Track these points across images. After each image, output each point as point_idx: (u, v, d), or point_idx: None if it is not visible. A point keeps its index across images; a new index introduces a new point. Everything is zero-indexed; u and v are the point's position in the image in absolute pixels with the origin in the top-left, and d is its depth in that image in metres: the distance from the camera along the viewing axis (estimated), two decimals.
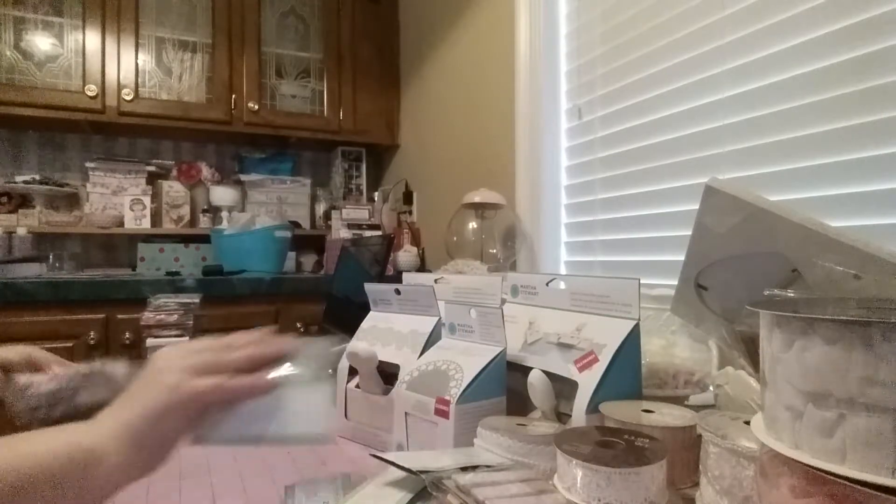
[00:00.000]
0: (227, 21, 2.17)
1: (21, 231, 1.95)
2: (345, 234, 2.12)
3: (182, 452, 0.59)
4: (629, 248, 1.15)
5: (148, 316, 1.05)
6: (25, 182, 2.07)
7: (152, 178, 2.27)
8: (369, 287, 0.71)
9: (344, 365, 0.66)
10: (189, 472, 0.54)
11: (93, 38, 1.99)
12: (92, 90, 1.98)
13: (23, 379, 0.55)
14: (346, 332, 1.10)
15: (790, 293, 0.41)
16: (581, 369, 0.51)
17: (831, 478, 0.27)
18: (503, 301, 0.65)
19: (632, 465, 0.35)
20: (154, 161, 2.31)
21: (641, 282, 0.53)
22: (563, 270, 1.38)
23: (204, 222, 2.32)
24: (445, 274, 0.80)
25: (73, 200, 2.22)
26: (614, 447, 0.38)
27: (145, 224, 2.18)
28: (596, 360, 0.50)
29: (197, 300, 1.10)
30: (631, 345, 0.51)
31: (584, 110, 1.30)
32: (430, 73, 2.13)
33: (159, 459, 0.40)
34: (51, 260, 2.00)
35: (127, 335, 1.64)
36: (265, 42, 2.25)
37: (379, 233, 2.16)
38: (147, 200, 2.19)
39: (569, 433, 0.41)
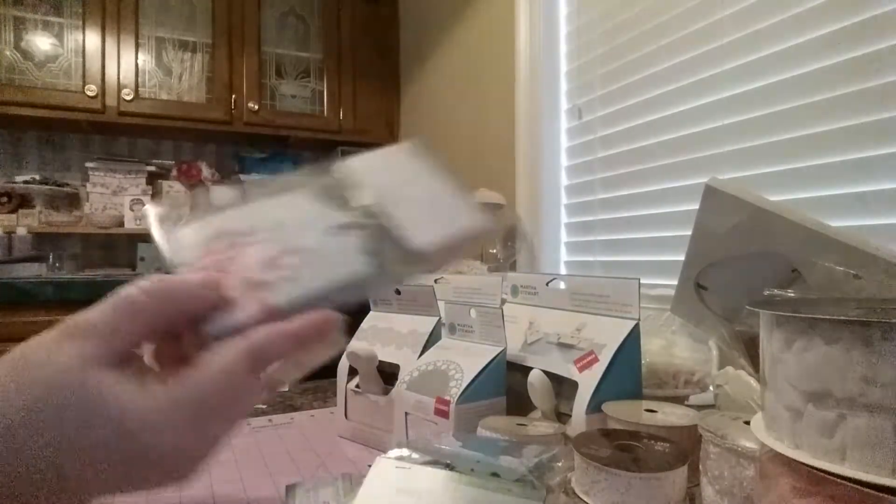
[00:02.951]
0: (227, 21, 2.17)
1: (21, 231, 1.95)
2: None
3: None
4: (629, 248, 1.15)
5: None
6: (25, 182, 2.07)
7: (152, 178, 2.27)
8: None
9: (344, 365, 0.66)
10: None
11: (93, 38, 1.99)
12: (92, 90, 1.98)
13: None
14: (345, 332, 1.10)
15: (790, 293, 0.41)
16: (581, 369, 0.51)
17: (831, 478, 0.27)
18: (503, 301, 0.65)
19: (653, 471, 0.35)
20: (154, 161, 2.31)
21: (641, 282, 0.53)
22: (563, 270, 1.38)
23: None
24: (445, 274, 0.80)
25: (73, 200, 2.22)
26: (634, 451, 0.38)
27: (145, 224, 2.18)
28: (596, 360, 0.50)
29: None
30: (631, 345, 0.51)
31: (584, 110, 1.30)
32: (430, 73, 2.13)
33: None
34: (51, 260, 2.00)
35: None
36: (265, 42, 2.25)
37: None
38: (147, 200, 2.19)
39: (586, 435, 0.41)
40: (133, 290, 0.25)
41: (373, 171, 0.36)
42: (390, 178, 0.36)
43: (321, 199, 0.33)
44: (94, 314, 0.24)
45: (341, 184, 0.34)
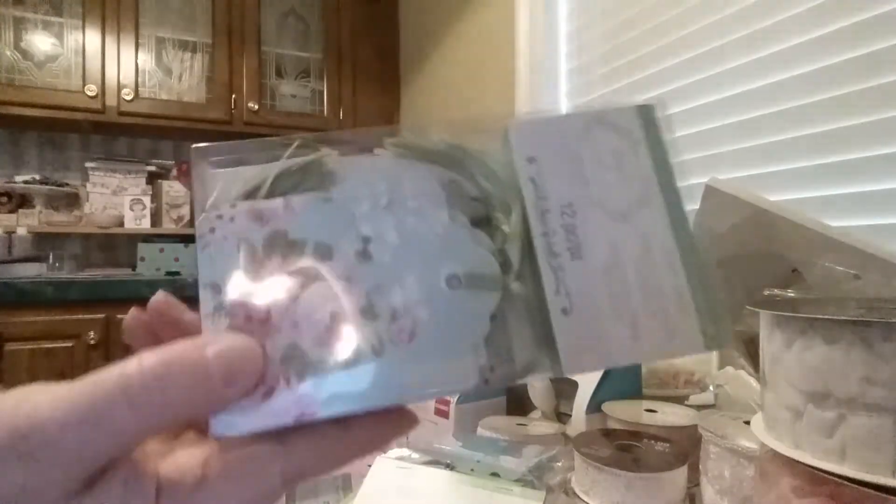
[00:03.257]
0: (227, 21, 2.17)
1: (21, 231, 1.95)
2: None
3: None
4: None
5: None
6: (25, 182, 2.07)
7: (152, 178, 2.27)
8: None
9: None
10: None
11: (93, 38, 1.99)
12: (92, 90, 1.98)
13: None
14: None
15: (790, 293, 0.41)
16: None
17: (831, 478, 0.27)
18: None
19: (653, 471, 0.35)
20: (154, 161, 2.31)
21: None
22: None
23: None
24: None
25: (73, 200, 2.22)
26: (634, 451, 0.38)
27: (145, 224, 2.18)
28: None
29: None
30: None
31: None
32: (431, 73, 2.13)
33: None
34: (51, 260, 2.00)
35: None
36: (265, 42, 2.25)
37: None
38: (147, 200, 2.19)
39: (586, 435, 0.41)
40: (114, 384, 0.16)
41: (555, 166, 0.19)
42: (584, 188, 0.19)
43: (456, 203, 0.18)
44: (54, 422, 0.15)
45: (498, 187, 0.19)
